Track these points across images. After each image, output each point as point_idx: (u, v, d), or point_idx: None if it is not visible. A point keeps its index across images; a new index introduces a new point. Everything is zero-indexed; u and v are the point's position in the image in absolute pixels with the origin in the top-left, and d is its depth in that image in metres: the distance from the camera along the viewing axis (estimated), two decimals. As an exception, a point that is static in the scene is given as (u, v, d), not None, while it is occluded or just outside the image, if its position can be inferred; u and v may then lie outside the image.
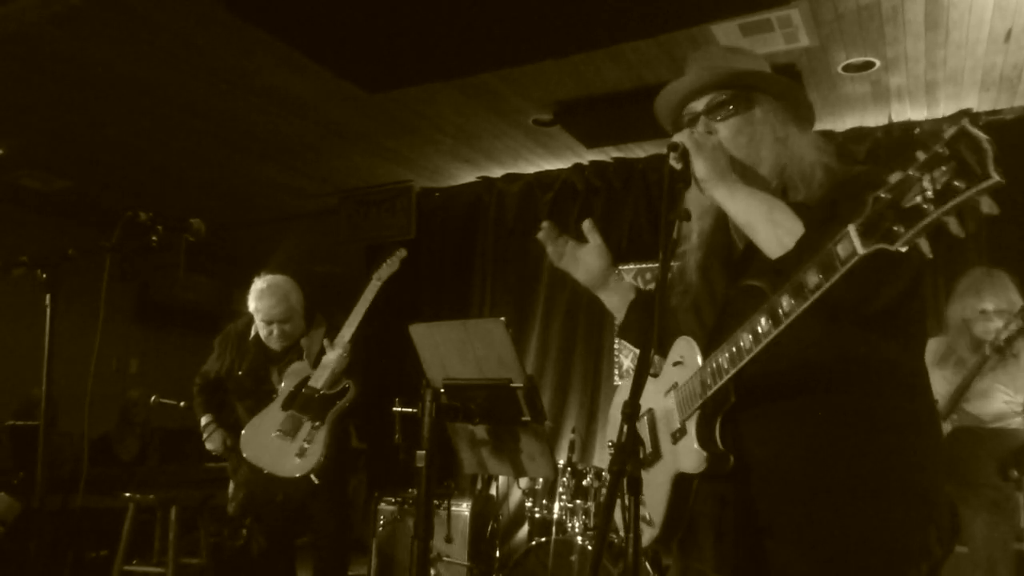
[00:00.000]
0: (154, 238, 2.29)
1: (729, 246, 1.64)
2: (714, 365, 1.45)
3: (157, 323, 7.33)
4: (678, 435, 1.53)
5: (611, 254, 1.82)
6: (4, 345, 5.87)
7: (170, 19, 3.68)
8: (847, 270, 1.18)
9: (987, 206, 1.03)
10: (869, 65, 4.10)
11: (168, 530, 3.81)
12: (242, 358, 3.51)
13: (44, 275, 2.24)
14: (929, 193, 1.05)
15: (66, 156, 5.48)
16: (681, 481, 1.52)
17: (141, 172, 5.75)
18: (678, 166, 1.48)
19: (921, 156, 1.08)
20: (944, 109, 4.60)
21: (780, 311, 1.30)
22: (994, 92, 4.38)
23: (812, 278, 1.24)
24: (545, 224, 1.82)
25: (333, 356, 3.28)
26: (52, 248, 2.28)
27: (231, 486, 3.43)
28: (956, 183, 1.03)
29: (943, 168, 1.04)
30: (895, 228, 1.10)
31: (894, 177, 1.11)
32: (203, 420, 3.59)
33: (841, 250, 1.19)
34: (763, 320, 1.33)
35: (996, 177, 1.00)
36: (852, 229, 1.17)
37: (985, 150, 1.01)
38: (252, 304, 3.47)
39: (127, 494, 3.89)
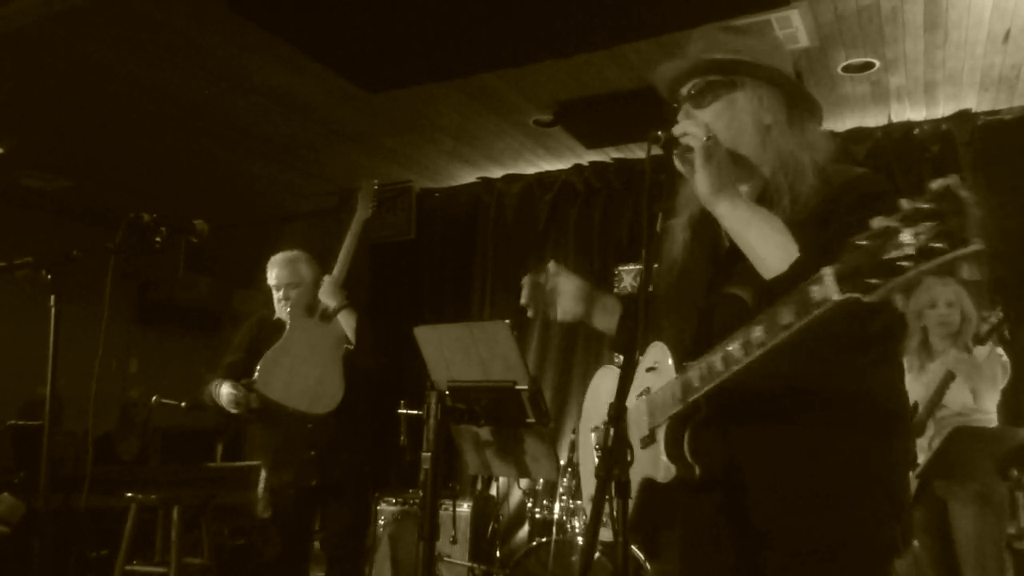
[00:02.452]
0: (157, 239, 2.29)
1: (716, 237, 1.60)
2: (686, 379, 1.43)
3: (157, 323, 7.32)
4: (646, 441, 1.53)
5: (586, 282, 1.82)
6: (5, 345, 5.87)
7: (171, 18, 3.68)
8: (821, 313, 1.16)
9: (967, 272, 1.03)
10: (869, 66, 4.11)
11: (170, 530, 3.80)
12: (266, 339, 3.48)
13: (49, 276, 2.24)
14: (910, 250, 1.01)
15: (66, 155, 5.48)
16: (649, 485, 1.53)
17: (141, 171, 5.75)
18: (682, 152, 1.45)
19: (905, 205, 1.04)
20: (943, 109, 4.62)
21: (752, 341, 1.28)
22: (993, 92, 4.40)
23: (786, 315, 1.22)
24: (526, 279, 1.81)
25: (325, 286, 3.33)
26: (55, 248, 2.27)
27: (260, 486, 3.36)
28: (937, 244, 0.99)
29: (926, 224, 1.00)
30: (870, 280, 1.06)
31: (877, 223, 1.07)
32: (225, 387, 3.36)
33: (816, 293, 1.17)
34: (735, 346, 1.31)
35: (978, 245, 0.97)
36: (829, 273, 1.14)
37: (968, 214, 0.97)
38: (268, 276, 3.51)
39: (129, 494, 3.89)
